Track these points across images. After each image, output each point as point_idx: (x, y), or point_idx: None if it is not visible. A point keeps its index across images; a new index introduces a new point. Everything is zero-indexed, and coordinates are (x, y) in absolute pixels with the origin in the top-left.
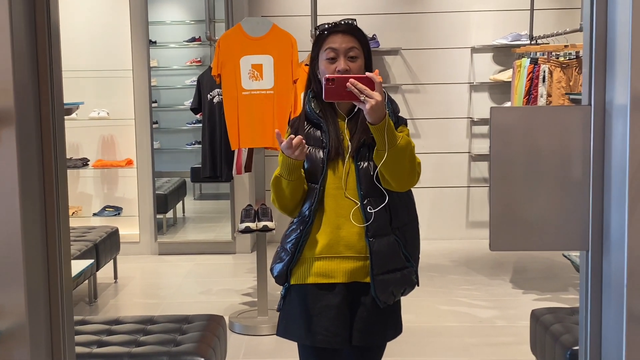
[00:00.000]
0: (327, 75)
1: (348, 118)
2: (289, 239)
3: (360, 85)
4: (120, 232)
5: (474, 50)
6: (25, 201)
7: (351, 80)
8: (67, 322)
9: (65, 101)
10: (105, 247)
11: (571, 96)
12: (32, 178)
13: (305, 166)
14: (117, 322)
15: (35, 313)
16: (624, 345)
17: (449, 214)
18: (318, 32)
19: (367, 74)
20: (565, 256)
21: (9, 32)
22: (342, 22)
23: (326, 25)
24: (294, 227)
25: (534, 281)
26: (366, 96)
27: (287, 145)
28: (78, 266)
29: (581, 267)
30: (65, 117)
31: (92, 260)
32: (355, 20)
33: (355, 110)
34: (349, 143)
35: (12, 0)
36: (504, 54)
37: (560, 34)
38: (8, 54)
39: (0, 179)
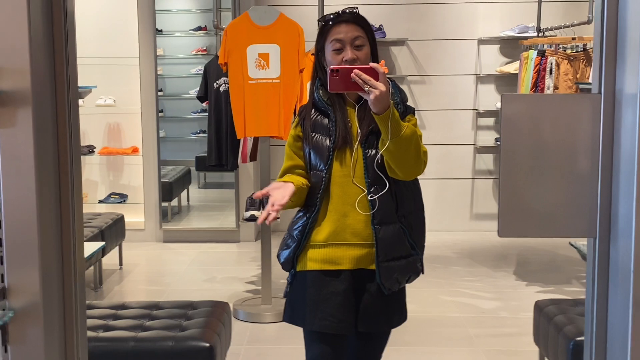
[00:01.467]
0: (331, 67)
1: (358, 106)
2: (296, 226)
3: (364, 76)
4: (126, 219)
5: (481, 41)
6: (41, 182)
7: (355, 70)
8: (79, 302)
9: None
10: (111, 233)
11: (581, 85)
12: (48, 159)
13: (312, 156)
14: (123, 307)
15: (49, 292)
16: (630, 332)
17: (453, 205)
18: (322, 24)
19: (371, 64)
20: (572, 244)
21: (26, 15)
22: (345, 12)
23: (329, 16)
24: (300, 214)
25: (537, 273)
26: (370, 86)
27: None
28: (89, 248)
29: (588, 254)
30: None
31: (102, 243)
32: (357, 8)
33: (365, 99)
34: (359, 130)
35: None
36: (511, 46)
37: (568, 27)
38: (25, 37)
39: (17, 160)
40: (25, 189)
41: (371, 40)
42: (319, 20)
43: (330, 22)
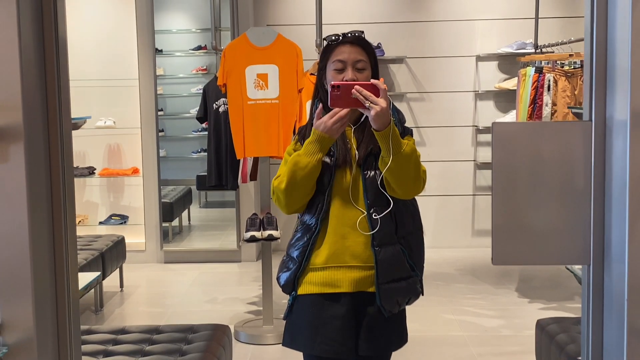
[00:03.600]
0: (332, 82)
1: (355, 127)
2: (296, 248)
3: (365, 92)
4: (126, 240)
5: (479, 58)
6: (34, 217)
7: (356, 87)
8: (74, 336)
9: (72, 115)
10: (112, 255)
11: (573, 110)
12: (41, 194)
13: None
14: (123, 331)
15: (43, 327)
16: (625, 357)
17: (454, 222)
18: (327, 43)
19: (372, 80)
20: (568, 269)
21: (17, 49)
22: (350, 34)
23: (334, 37)
24: (299, 235)
25: (539, 290)
26: (371, 102)
27: (329, 116)
28: (85, 279)
29: (583, 281)
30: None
31: (98, 273)
32: (363, 32)
33: (362, 119)
34: (356, 152)
35: (21, 17)
36: (509, 62)
37: (565, 43)
38: (17, 71)
39: (9, 195)
40: (18, 224)
41: (373, 65)
42: (324, 39)
43: (335, 42)
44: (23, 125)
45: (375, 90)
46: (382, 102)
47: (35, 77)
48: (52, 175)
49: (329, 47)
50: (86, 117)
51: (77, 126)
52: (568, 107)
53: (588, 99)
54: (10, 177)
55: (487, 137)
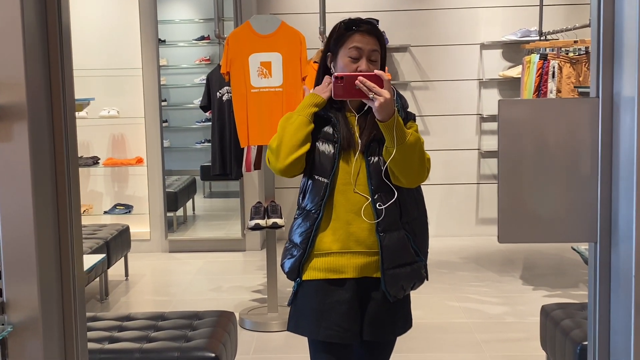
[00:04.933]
0: (335, 74)
1: (358, 115)
2: (299, 234)
3: (368, 83)
4: (131, 229)
5: (483, 46)
6: (38, 195)
7: (360, 78)
8: (79, 315)
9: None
10: (117, 244)
11: (580, 89)
12: (45, 173)
13: (315, 162)
14: (129, 318)
15: (48, 306)
16: (632, 336)
17: (458, 211)
18: (343, 27)
19: (376, 71)
20: (574, 249)
21: (20, 29)
22: (366, 23)
23: (353, 22)
24: (299, 221)
25: (543, 277)
26: (375, 93)
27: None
28: (90, 261)
29: (590, 259)
30: (76, 113)
31: (103, 255)
32: (378, 21)
33: (366, 107)
34: (359, 139)
35: None
36: (514, 50)
37: (570, 30)
38: (20, 50)
39: (13, 174)
40: (23, 203)
41: (383, 56)
42: (341, 22)
43: (353, 28)
44: (27, 103)
45: (379, 81)
46: (385, 93)
47: (38, 55)
48: (56, 154)
49: (344, 33)
50: (89, 99)
51: (81, 107)
52: (575, 87)
53: (595, 75)
54: (14, 156)
55: (492, 126)
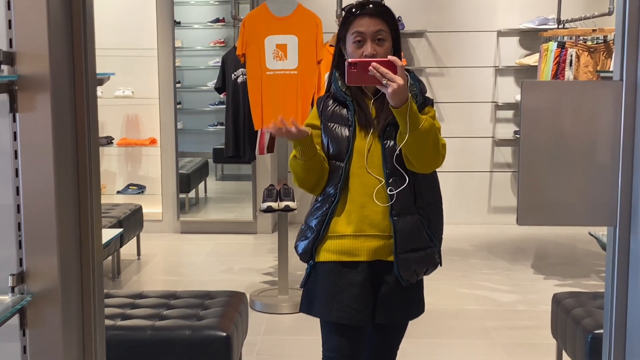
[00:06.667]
0: (349, 60)
1: (375, 98)
2: (315, 217)
3: (382, 69)
4: (144, 210)
5: (500, 33)
6: (59, 166)
7: (373, 64)
8: (97, 287)
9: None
10: (129, 223)
11: (602, 74)
12: (66, 144)
13: (330, 146)
14: (141, 296)
15: (67, 277)
16: None
17: (471, 198)
18: (345, 13)
19: (389, 57)
20: (591, 234)
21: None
22: (370, 4)
23: (354, 8)
24: (318, 204)
25: (555, 267)
26: (388, 80)
27: (277, 130)
28: (107, 235)
29: (608, 244)
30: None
31: (120, 229)
32: (383, 0)
33: (381, 92)
34: (376, 122)
35: None
36: (531, 38)
37: (589, 18)
38: (44, 21)
39: (35, 145)
40: (44, 173)
41: (394, 34)
42: (342, 9)
43: (354, 13)
44: (50, 75)
45: (392, 67)
46: (399, 80)
47: (61, 27)
48: (77, 125)
49: (347, 18)
50: (110, 74)
51: (101, 82)
52: (597, 71)
53: (619, 58)
54: (36, 126)
55: (506, 114)
